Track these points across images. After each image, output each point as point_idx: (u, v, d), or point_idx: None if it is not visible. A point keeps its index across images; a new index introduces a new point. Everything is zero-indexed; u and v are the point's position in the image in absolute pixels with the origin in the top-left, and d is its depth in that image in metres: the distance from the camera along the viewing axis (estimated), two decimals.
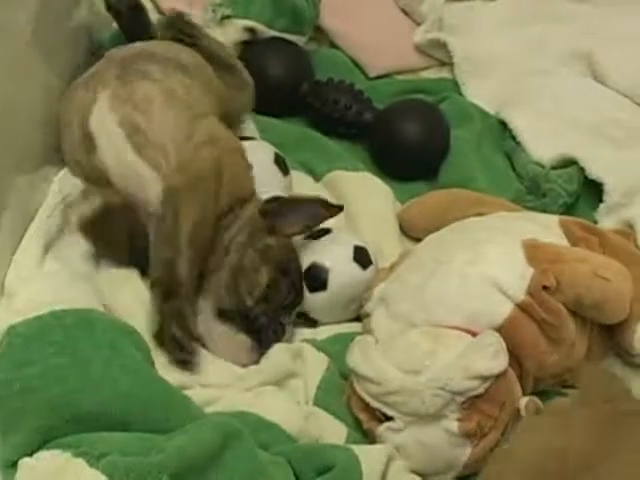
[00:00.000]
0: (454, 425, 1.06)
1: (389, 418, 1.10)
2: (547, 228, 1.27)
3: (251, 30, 1.70)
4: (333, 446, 1.04)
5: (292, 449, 1.02)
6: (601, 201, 1.53)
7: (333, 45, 1.85)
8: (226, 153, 1.24)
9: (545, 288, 1.14)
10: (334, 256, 1.30)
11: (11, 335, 1.01)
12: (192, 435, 0.94)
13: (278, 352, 1.19)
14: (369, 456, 0.98)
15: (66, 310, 1.04)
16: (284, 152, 1.47)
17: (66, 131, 1.29)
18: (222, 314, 1.19)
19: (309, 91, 1.66)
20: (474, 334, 1.12)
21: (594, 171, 1.55)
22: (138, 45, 1.37)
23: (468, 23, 1.87)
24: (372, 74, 1.82)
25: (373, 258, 1.32)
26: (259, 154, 1.39)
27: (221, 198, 1.20)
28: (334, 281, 1.28)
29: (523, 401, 1.07)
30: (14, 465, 0.94)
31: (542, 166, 1.58)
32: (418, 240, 1.39)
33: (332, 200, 1.35)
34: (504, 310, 1.15)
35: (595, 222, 1.47)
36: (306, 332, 1.29)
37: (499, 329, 1.12)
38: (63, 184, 1.27)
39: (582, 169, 1.56)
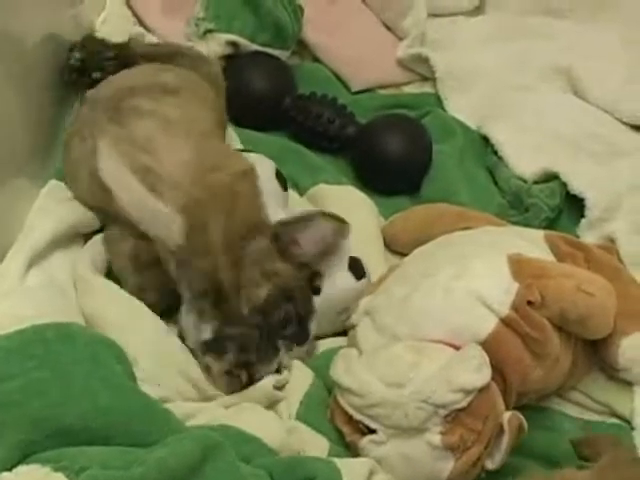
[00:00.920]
0: (437, 438, 1.06)
1: (372, 431, 1.09)
2: (533, 243, 1.27)
3: (234, 44, 1.70)
4: (314, 459, 1.04)
5: (273, 462, 1.02)
6: (583, 216, 1.54)
7: (316, 59, 1.86)
8: (236, 179, 1.22)
9: (530, 303, 1.14)
10: (329, 263, 1.29)
11: None
12: (173, 448, 0.93)
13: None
14: (351, 469, 0.98)
15: (47, 324, 1.03)
16: None
17: (76, 184, 1.29)
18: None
19: (292, 105, 1.66)
20: (457, 348, 1.12)
21: (575, 186, 1.56)
22: (114, 81, 1.35)
23: (450, 38, 1.89)
24: (355, 88, 1.83)
25: (367, 272, 1.32)
26: (260, 168, 1.38)
27: (234, 224, 1.19)
28: (328, 288, 1.27)
29: (506, 416, 1.07)
30: None
31: (524, 181, 1.59)
32: (402, 255, 1.39)
33: None
34: (488, 325, 1.14)
35: (577, 237, 1.48)
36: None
37: (483, 343, 1.12)
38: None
39: (564, 184, 1.57)
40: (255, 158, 1.41)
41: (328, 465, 0.99)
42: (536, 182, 1.59)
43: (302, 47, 1.86)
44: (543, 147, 1.66)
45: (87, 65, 1.41)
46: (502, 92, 1.79)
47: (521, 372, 1.15)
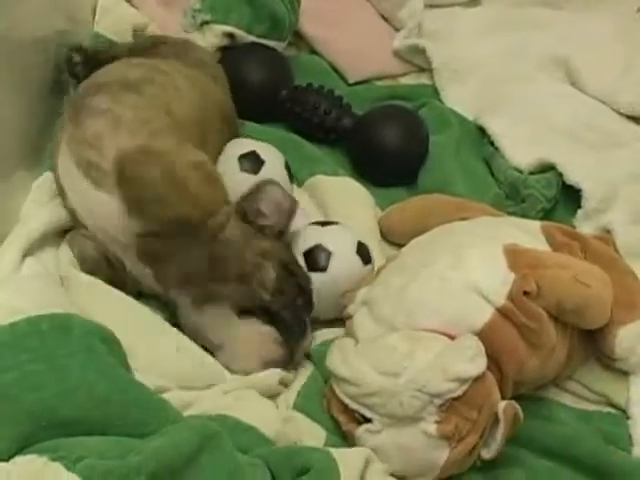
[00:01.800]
0: (432, 427, 1.06)
1: (368, 420, 1.10)
2: (529, 233, 1.27)
3: (230, 35, 1.70)
4: (311, 448, 1.04)
5: (270, 451, 1.02)
6: (579, 207, 1.54)
7: (313, 51, 1.86)
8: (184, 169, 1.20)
9: (526, 293, 1.14)
10: (339, 243, 1.31)
11: None
12: (170, 437, 0.93)
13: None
14: (347, 458, 0.98)
15: (42, 316, 1.03)
16: None
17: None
18: (244, 312, 1.20)
19: (289, 96, 1.66)
20: (453, 338, 1.12)
21: (572, 177, 1.56)
22: (89, 79, 1.35)
23: (447, 29, 1.88)
24: (351, 80, 1.83)
25: (373, 258, 1.33)
26: (271, 158, 1.41)
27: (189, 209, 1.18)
28: (335, 266, 1.29)
29: (502, 405, 1.08)
30: None
31: (520, 171, 1.59)
32: (399, 246, 1.39)
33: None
34: (484, 315, 1.14)
35: (573, 228, 1.48)
36: None
37: (479, 333, 1.12)
38: None
39: (560, 174, 1.57)
40: (266, 148, 1.43)
41: (324, 455, 0.99)
42: (532, 173, 1.59)
43: (299, 38, 1.86)
44: (539, 138, 1.66)
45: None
46: (498, 83, 1.79)
47: (517, 362, 1.15)
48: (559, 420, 1.24)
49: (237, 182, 1.32)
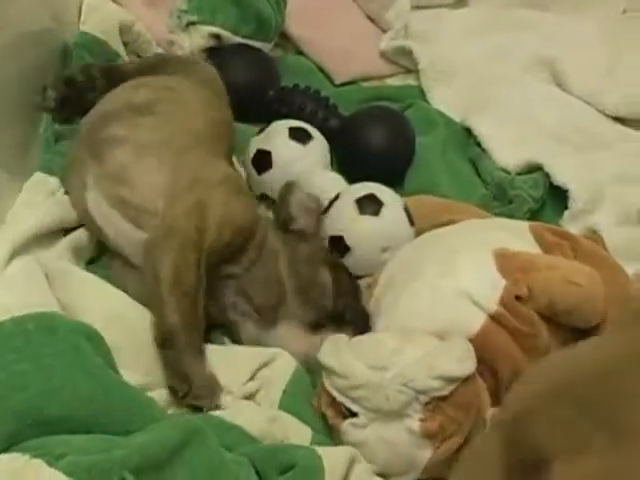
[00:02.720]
0: (416, 425, 1.06)
1: (354, 414, 1.09)
2: (517, 235, 1.27)
3: (216, 36, 1.70)
4: (295, 446, 1.04)
5: (254, 449, 1.02)
6: (566, 208, 1.55)
7: (299, 52, 1.87)
8: (209, 193, 1.22)
9: (518, 298, 1.14)
10: (389, 198, 1.38)
11: None
12: (154, 433, 0.93)
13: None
14: (332, 456, 0.98)
15: (27, 315, 1.03)
16: None
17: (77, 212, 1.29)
18: (313, 327, 1.22)
19: (275, 97, 1.66)
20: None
21: (559, 177, 1.56)
22: (96, 108, 1.34)
23: (434, 31, 1.89)
24: (338, 81, 1.83)
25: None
26: (275, 134, 1.48)
27: (211, 238, 1.18)
28: (386, 215, 1.36)
29: (490, 412, 1.08)
30: None
31: (507, 172, 1.60)
32: None
33: None
34: (477, 321, 1.14)
35: None
36: None
37: (473, 340, 1.12)
38: None
39: (547, 175, 1.57)
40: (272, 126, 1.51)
41: (309, 452, 0.99)
42: (519, 174, 1.59)
43: (285, 39, 1.86)
44: (526, 139, 1.66)
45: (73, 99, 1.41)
46: (485, 84, 1.80)
47: (512, 366, 1.14)
48: None
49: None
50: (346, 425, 1.10)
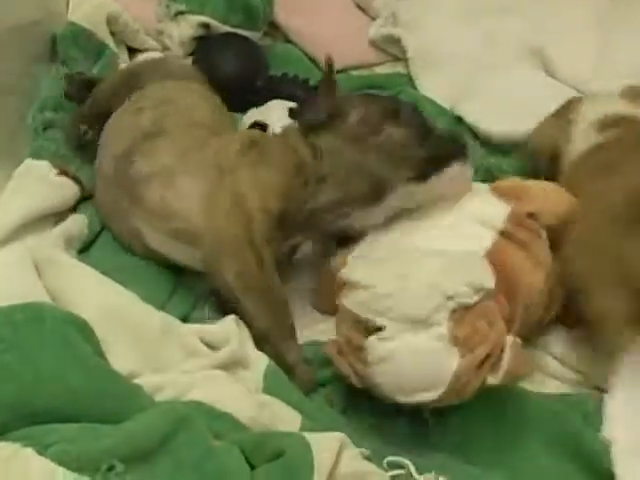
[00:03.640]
0: (444, 329, 1.05)
1: (379, 330, 1.08)
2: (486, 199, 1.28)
3: (205, 26, 1.70)
4: (284, 433, 1.04)
5: (244, 437, 1.02)
6: None
7: (288, 41, 1.86)
8: (236, 177, 1.22)
9: (530, 215, 1.19)
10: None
11: None
12: (142, 421, 0.94)
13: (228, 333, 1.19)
14: (321, 442, 0.98)
15: (15, 306, 1.02)
16: None
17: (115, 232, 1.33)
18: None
19: (264, 86, 1.66)
20: None
21: None
22: (105, 144, 1.36)
23: (421, 18, 1.89)
24: None
25: None
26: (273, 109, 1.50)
27: (262, 221, 1.20)
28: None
29: (509, 339, 1.07)
30: None
31: (496, 158, 1.60)
32: None
33: None
34: (488, 238, 1.18)
35: None
36: None
37: (486, 257, 1.15)
38: None
39: None
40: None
41: (297, 439, 0.99)
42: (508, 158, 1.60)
43: (274, 28, 1.86)
44: (516, 125, 1.66)
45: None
46: (474, 71, 1.79)
47: (526, 282, 1.16)
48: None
49: None
50: (372, 340, 1.07)
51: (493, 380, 1.07)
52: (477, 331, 1.06)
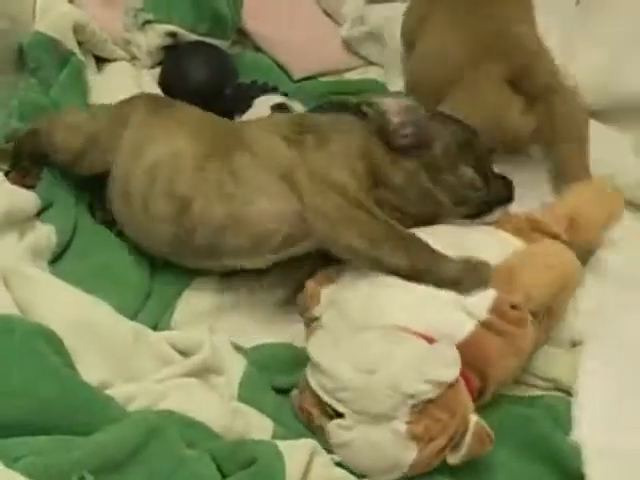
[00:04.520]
0: (403, 427, 1.06)
1: (340, 415, 1.10)
2: (488, 232, 1.29)
3: (173, 35, 1.70)
4: (256, 441, 1.04)
5: (216, 446, 1.02)
6: None
7: (257, 48, 1.86)
8: (344, 173, 1.23)
9: (513, 307, 1.14)
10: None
11: None
12: (113, 431, 0.94)
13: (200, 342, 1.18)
14: (292, 451, 0.98)
15: None
16: None
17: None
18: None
19: (233, 94, 1.66)
20: (431, 341, 1.11)
21: None
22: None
23: (389, 24, 1.89)
24: (297, 77, 1.83)
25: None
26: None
27: (353, 184, 1.22)
28: None
29: (473, 418, 1.07)
30: None
31: None
32: None
33: None
34: (467, 327, 1.13)
35: None
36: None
37: (461, 345, 1.11)
38: None
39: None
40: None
41: (270, 448, 0.99)
42: None
43: (243, 36, 1.86)
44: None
45: None
46: None
47: (504, 368, 1.15)
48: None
49: None
50: (332, 426, 1.10)
51: (453, 460, 1.08)
52: (437, 422, 1.07)
